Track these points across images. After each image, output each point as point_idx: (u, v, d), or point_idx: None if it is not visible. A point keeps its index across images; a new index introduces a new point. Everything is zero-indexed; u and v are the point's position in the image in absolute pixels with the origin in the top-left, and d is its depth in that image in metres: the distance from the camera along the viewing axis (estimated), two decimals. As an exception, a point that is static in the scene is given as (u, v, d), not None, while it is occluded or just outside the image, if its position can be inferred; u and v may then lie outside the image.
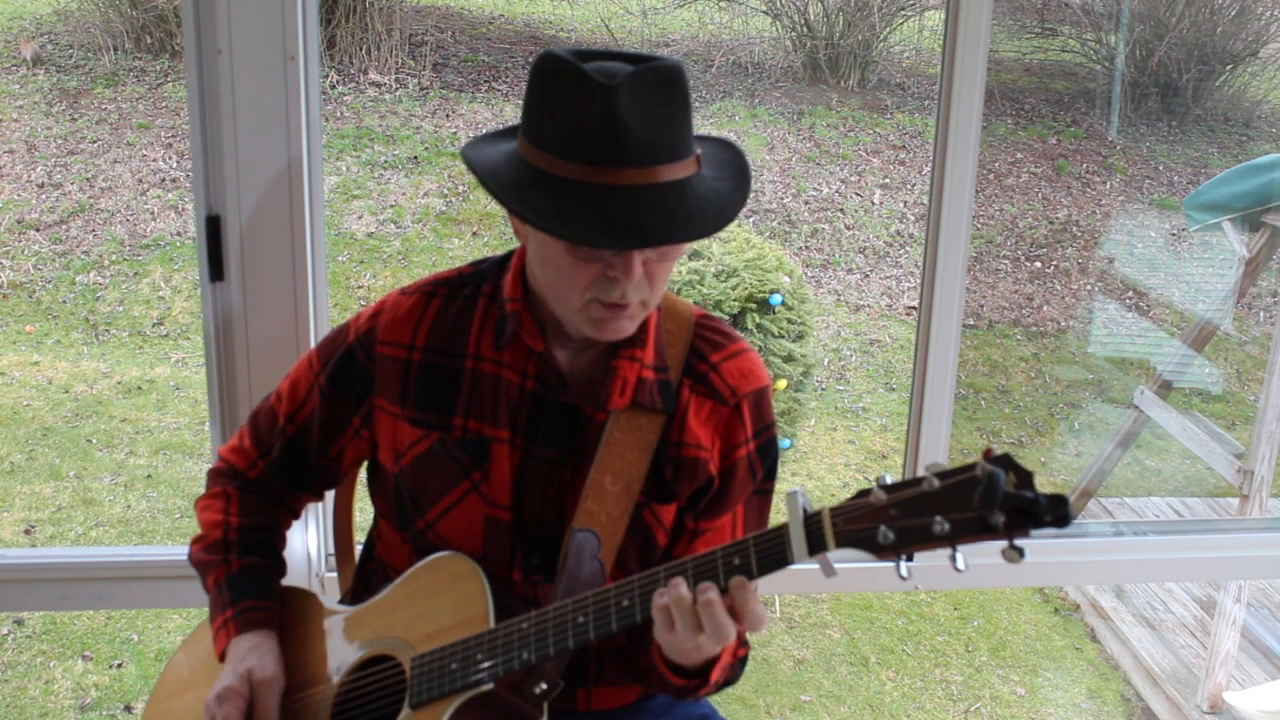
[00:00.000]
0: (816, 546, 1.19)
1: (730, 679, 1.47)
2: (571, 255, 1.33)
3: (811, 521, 1.20)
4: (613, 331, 1.39)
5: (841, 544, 1.18)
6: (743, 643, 1.47)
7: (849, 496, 1.20)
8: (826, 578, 1.20)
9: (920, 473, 1.15)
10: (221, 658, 1.50)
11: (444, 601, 1.42)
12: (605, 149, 1.28)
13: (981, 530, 1.10)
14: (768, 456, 1.52)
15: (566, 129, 1.30)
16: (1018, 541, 1.10)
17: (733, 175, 1.39)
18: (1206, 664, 4.93)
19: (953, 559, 1.14)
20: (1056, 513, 1.07)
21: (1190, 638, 5.27)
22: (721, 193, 1.35)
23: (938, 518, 1.11)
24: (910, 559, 1.16)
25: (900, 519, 1.14)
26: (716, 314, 1.61)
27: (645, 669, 1.46)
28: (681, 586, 1.25)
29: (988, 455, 1.11)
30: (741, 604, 1.24)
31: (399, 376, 1.49)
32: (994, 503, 1.08)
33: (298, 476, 1.60)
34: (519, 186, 1.34)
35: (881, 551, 1.16)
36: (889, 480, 1.16)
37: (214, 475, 1.63)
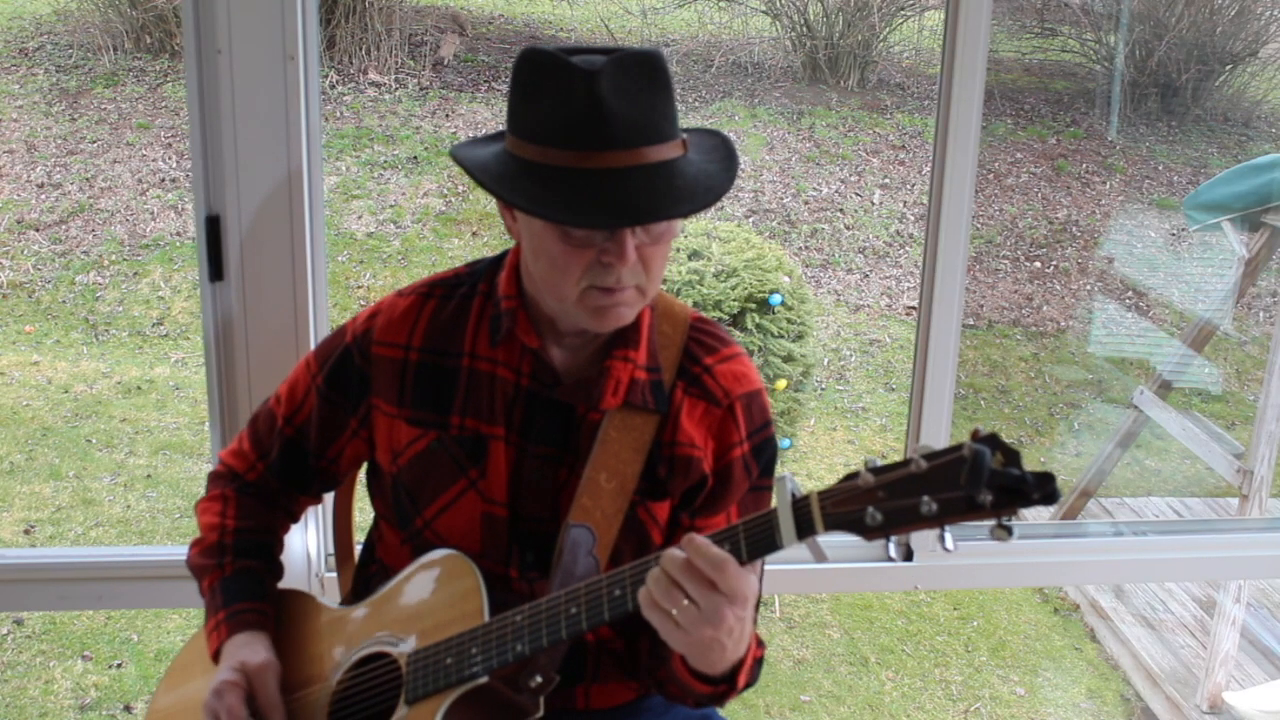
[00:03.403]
0: (805, 530, 1.19)
1: (751, 682, 1.46)
2: (565, 243, 1.34)
3: (800, 505, 1.19)
4: (612, 319, 1.39)
5: (830, 526, 1.17)
6: (759, 643, 1.47)
7: (837, 480, 1.19)
8: (817, 562, 1.19)
9: (909, 455, 1.15)
10: (215, 660, 1.51)
11: (439, 598, 1.43)
12: (591, 133, 1.30)
13: (969, 509, 1.09)
14: (762, 456, 1.52)
15: (552, 118, 1.32)
16: (1006, 520, 1.09)
17: (720, 157, 1.40)
18: (1206, 664, 4.93)
19: (941, 539, 1.14)
20: (1043, 490, 1.07)
21: (1190, 638, 5.27)
22: (710, 173, 1.37)
23: (925, 498, 1.11)
24: (900, 539, 1.15)
25: (888, 500, 1.14)
26: (715, 315, 1.62)
27: (664, 680, 1.45)
28: (656, 569, 1.24)
29: (975, 435, 1.10)
30: (722, 579, 1.21)
31: (396, 376, 1.50)
32: (980, 481, 1.07)
33: (296, 478, 1.60)
34: (509, 177, 1.36)
35: (870, 533, 1.15)
36: (878, 463, 1.16)
37: (213, 478, 1.64)
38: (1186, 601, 5.48)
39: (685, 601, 1.22)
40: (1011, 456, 1.09)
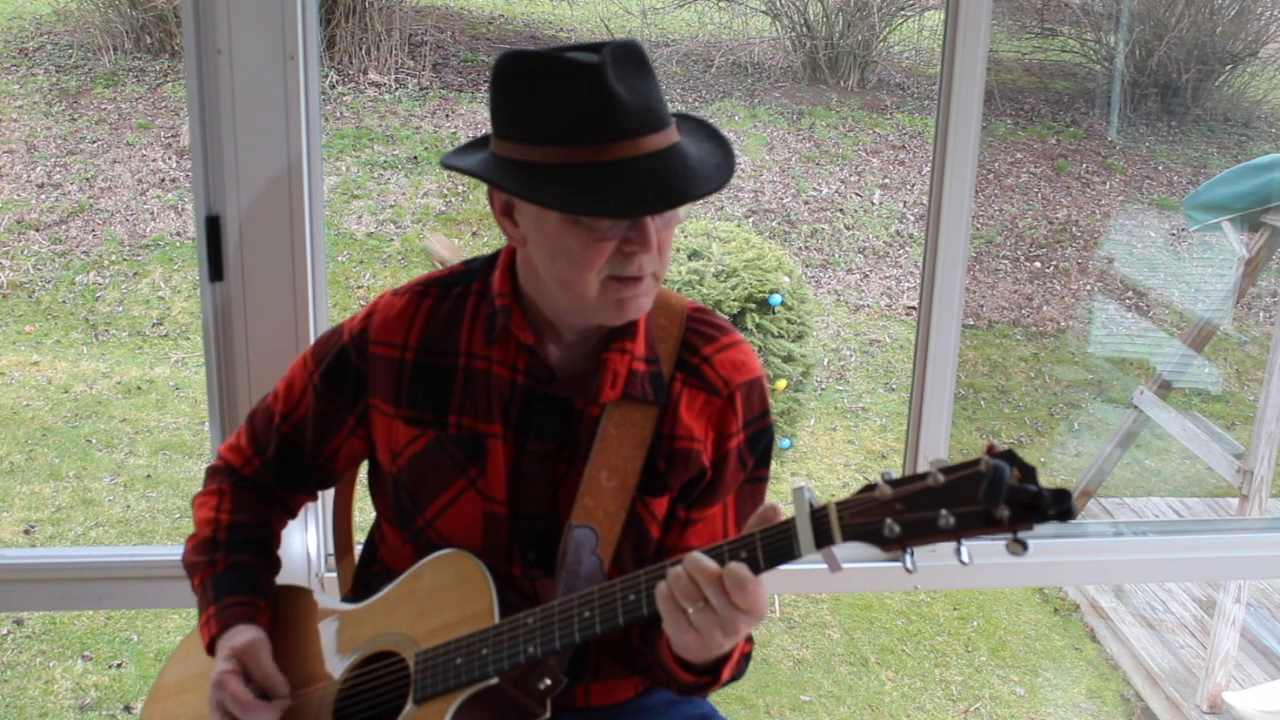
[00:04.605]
0: (823, 540, 1.19)
1: (736, 676, 1.48)
2: (588, 237, 1.33)
3: (818, 515, 1.20)
4: (632, 310, 1.39)
5: (848, 537, 1.18)
6: (748, 639, 1.47)
7: (855, 491, 1.20)
8: (832, 572, 1.20)
9: (924, 468, 1.16)
10: (210, 655, 1.51)
11: (447, 598, 1.43)
12: (605, 125, 1.30)
13: (986, 524, 1.11)
14: (757, 446, 1.52)
15: (558, 116, 1.31)
16: (1021, 534, 1.11)
17: (706, 136, 1.42)
18: (1206, 664, 4.94)
19: (957, 552, 1.15)
20: (1060, 506, 1.08)
21: (1190, 638, 5.28)
22: (709, 151, 1.39)
23: (943, 511, 1.12)
24: (914, 553, 1.16)
25: (905, 513, 1.15)
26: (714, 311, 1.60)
27: (651, 664, 1.46)
28: (678, 567, 1.25)
29: (991, 450, 1.11)
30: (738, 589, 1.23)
31: (393, 376, 1.50)
32: (999, 497, 1.09)
33: (292, 475, 1.61)
34: (524, 181, 1.34)
35: (887, 545, 1.16)
36: (894, 475, 1.17)
37: (211, 473, 1.64)
38: (1186, 601, 5.49)
39: (703, 603, 1.23)
40: (1028, 472, 1.10)
